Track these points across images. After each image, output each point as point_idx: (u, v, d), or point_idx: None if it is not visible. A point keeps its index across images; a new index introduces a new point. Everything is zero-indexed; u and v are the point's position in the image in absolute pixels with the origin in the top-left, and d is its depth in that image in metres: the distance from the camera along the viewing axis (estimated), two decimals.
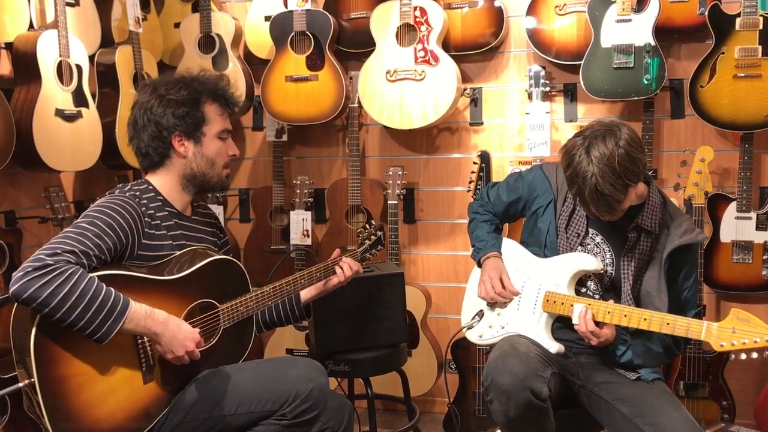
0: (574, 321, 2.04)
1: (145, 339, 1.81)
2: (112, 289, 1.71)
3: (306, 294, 2.26)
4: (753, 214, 3.07)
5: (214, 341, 1.95)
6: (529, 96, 3.26)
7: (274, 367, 1.93)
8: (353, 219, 3.51)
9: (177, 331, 1.77)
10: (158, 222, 1.95)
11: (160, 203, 1.99)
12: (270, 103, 3.41)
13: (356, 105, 3.41)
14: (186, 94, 2.00)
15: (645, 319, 1.96)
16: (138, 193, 1.95)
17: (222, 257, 2.01)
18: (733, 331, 1.82)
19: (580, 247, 2.20)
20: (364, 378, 2.71)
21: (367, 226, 2.39)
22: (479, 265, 2.39)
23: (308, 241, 3.48)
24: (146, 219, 1.91)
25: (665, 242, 2.11)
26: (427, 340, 3.36)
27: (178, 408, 1.87)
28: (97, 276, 1.71)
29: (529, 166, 2.80)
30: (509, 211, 2.43)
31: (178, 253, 1.94)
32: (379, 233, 2.38)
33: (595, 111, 3.32)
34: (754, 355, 1.80)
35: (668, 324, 1.92)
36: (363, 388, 2.73)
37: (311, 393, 1.86)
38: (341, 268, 2.23)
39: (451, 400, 3.20)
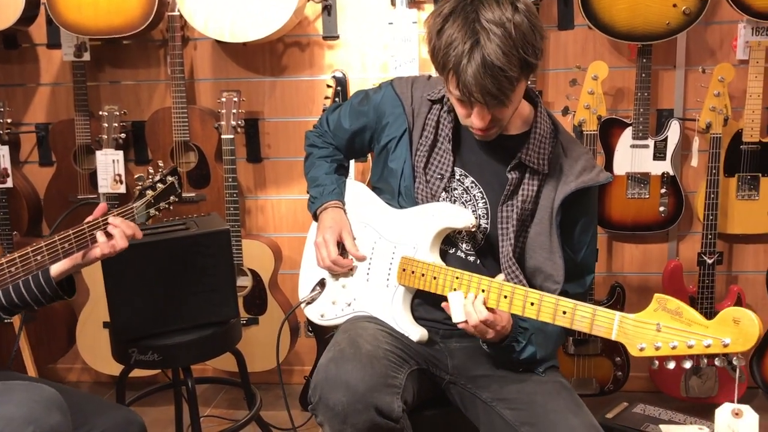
0: (456, 317, 1.45)
1: None
2: None
3: (59, 267, 1.59)
4: (650, 142, 2.64)
5: None
6: (393, 2, 2.66)
7: None
8: (182, 159, 2.82)
9: None
10: None
11: None
12: (58, 10, 2.61)
13: (177, 13, 2.68)
14: None
15: (532, 304, 1.39)
16: None
17: None
18: (658, 329, 1.27)
19: (444, 193, 1.64)
20: (183, 368, 2.10)
21: (150, 171, 1.73)
22: (316, 218, 1.80)
23: (122, 189, 2.77)
24: None
25: (557, 185, 1.58)
26: (277, 303, 2.78)
27: None
28: None
29: None
30: (354, 143, 1.82)
31: None
32: (170, 179, 1.72)
33: None
34: (687, 364, 1.30)
35: (564, 313, 1.36)
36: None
37: None
38: (106, 234, 1.57)
39: (309, 372, 2.68)
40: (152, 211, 1.71)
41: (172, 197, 1.74)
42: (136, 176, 1.73)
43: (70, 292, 1.65)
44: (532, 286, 1.55)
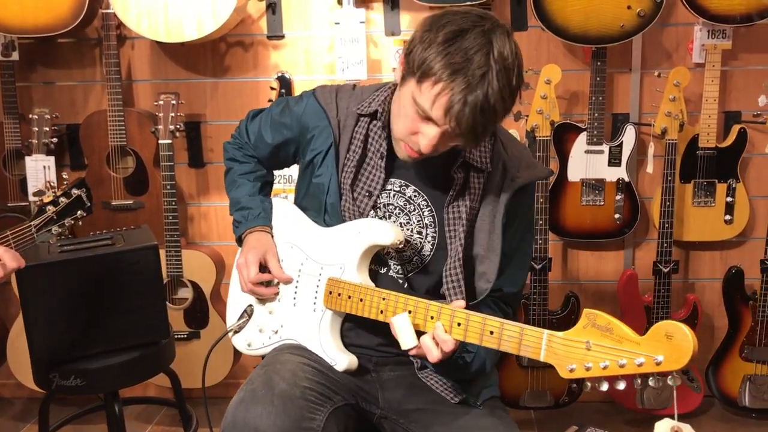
0: (406, 344, 1.32)
1: None
2: None
3: None
4: (605, 147, 2.56)
5: None
6: (339, 1, 2.55)
7: None
8: (119, 164, 2.67)
9: None
10: None
11: None
12: None
13: (111, 10, 2.53)
14: None
15: (459, 324, 1.28)
16: None
17: None
18: (588, 348, 1.15)
19: (372, 211, 1.51)
20: (112, 393, 1.97)
21: (50, 185, 1.59)
22: (240, 242, 1.68)
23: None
24: None
25: (501, 182, 1.48)
26: (220, 316, 2.65)
27: None
28: None
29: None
30: (278, 156, 1.68)
31: None
32: (75, 192, 1.58)
33: None
34: (621, 385, 1.20)
35: (492, 333, 1.25)
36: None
37: None
38: None
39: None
40: (56, 228, 1.57)
41: (79, 212, 1.60)
42: (34, 191, 1.60)
43: None
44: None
